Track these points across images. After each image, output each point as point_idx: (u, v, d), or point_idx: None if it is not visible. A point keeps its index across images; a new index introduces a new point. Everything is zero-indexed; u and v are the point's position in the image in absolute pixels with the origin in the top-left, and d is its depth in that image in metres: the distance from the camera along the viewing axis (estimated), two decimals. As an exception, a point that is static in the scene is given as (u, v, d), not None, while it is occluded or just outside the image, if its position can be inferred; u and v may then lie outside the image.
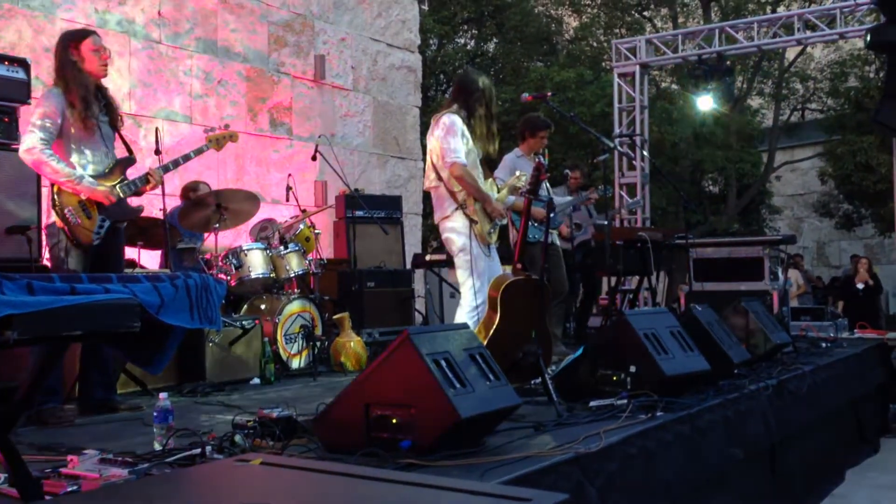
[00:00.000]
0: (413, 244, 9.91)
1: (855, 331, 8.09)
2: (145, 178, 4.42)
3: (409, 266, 8.54)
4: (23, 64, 4.96)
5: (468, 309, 4.69)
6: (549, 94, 5.34)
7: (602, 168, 7.36)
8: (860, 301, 12.07)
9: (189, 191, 6.67)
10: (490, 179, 5.02)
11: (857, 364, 6.43)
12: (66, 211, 4.14)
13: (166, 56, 7.77)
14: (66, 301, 2.11)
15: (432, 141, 4.81)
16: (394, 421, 2.79)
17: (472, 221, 4.70)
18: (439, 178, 4.77)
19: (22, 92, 4.91)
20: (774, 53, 16.83)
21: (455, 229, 4.74)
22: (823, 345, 6.66)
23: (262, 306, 6.07)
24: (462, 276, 4.78)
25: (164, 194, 4.95)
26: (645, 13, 19.14)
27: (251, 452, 2.87)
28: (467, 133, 4.77)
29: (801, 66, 19.00)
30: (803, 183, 22.07)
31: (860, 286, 12.28)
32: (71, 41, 4.23)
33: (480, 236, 4.73)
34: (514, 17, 17.74)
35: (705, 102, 13.23)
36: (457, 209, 4.73)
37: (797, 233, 21.07)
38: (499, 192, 5.05)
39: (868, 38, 9.61)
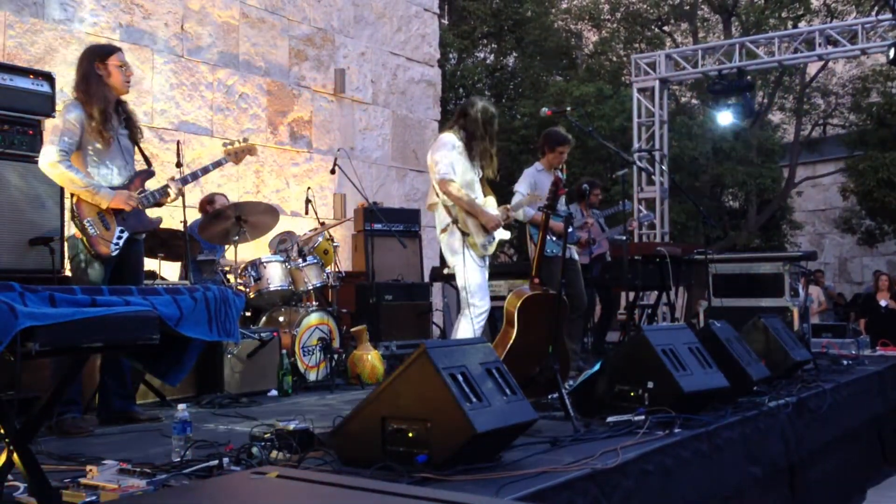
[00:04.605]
0: (431, 257, 9.91)
1: (877, 348, 7.99)
2: (163, 191, 4.46)
3: (426, 279, 8.54)
4: (47, 77, 5.02)
5: (466, 322, 4.86)
6: (569, 108, 5.36)
7: (621, 183, 7.36)
8: (882, 318, 11.92)
9: (206, 203, 6.73)
10: (490, 196, 5.16)
11: (878, 382, 6.36)
12: (84, 222, 4.18)
13: (188, 70, 7.85)
14: (86, 313, 2.13)
15: (429, 159, 5.03)
16: (410, 435, 2.79)
17: (464, 234, 4.87)
18: (437, 194, 4.97)
19: (46, 105, 4.96)
20: (795, 68, 16.74)
21: (450, 243, 4.95)
22: (845, 362, 6.58)
23: (281, 318, 6.10)
24: (461, 289, 4.94)
25: (184, 206, 4.99)
26: (665, 28, 19.10)
27: (268, 465, 2.88)
28: (464, 153, 4.96)
29: (823, 81, 18.88)
30: (825, 198, 21.88)
31: (883, 303, 12.14)
32: (97, 56, 4.29)
33: (474, 248, 4.89)
34: (533, 31, 17.76)
35: (725, 118, 13.19)
36: (451, 223, 4.90)
37: (819, 249, 20.89)
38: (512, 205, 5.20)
39: (891, 53, 9.58)
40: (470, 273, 4.86)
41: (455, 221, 4.89)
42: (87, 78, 4.25)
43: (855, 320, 12.49)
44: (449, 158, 4.87)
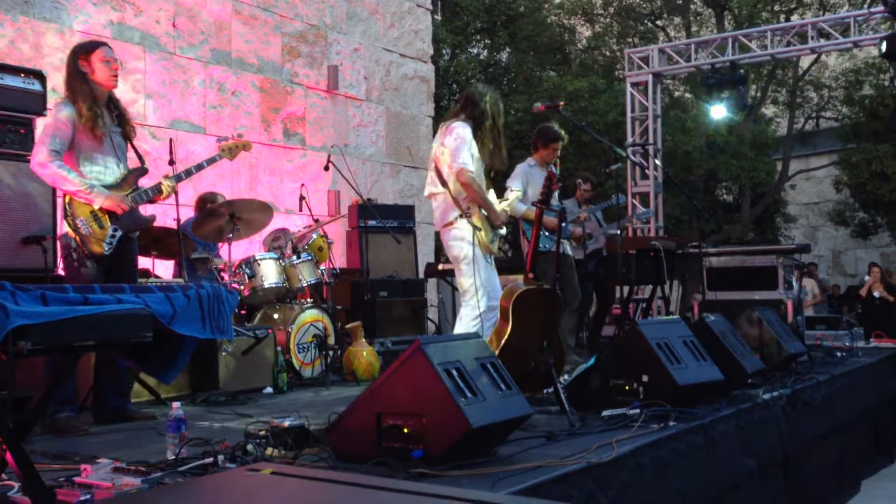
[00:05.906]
0: (426, 253, 9.91)
1: (871, 340, 8.02)
2: (157, 188, 4.44)
3: (421, 275, 8.54)
4: (38, 76, 5.00)
5: (472, 317, 4.67)
6: (562, 103, 5.33)
7: (615, 177, 7.36)
8: (876, 310, 11.94)
9: (205, 201, 6.70)
10: (491, 190, 5.01)
11: (872, 374, 6.38)
12: (77, 221, 4.16)
13: (181, 67, 7.82)
14: (78, 311, 2.13)
15: (439, 147, 4.82)
16: (405, 430, 2.80)
17: (475, 228, 4.69)
18: (444, 184, 4.76)
19: (38, 104, 4.94)
20: (788, 62, 16.78)
21: (458, 237, 4.73)
22: (838, 354, 6.61)
23: (276, 315, 6.09)
24: (465, 284, 4.74)
25: (177, 204, 4.97)
26: (658, 22, 19.13)
27: (263, 462, 2.88)
28: (475, 144, 4.78)
29: (816, 74, 18.93)
30: (818, 191, 21.95)
31: (877, 294, 12.17)
32: (81, 52, 4.27)
33: (483, 244, 4.71)
34: (526, 26, 17.77)
35: (718, 112, 13.20)
36: (460, 216, 4.71)
37: (812, 241, 20.94)
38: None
39: (882, 47, 9.60)
40: (481, 269, 4.65)
41: (465, 215, 4.69)
42: (73, 75, 4.23)
43: (849, 312, 12.52)
44: (467, 149, 4.67)
